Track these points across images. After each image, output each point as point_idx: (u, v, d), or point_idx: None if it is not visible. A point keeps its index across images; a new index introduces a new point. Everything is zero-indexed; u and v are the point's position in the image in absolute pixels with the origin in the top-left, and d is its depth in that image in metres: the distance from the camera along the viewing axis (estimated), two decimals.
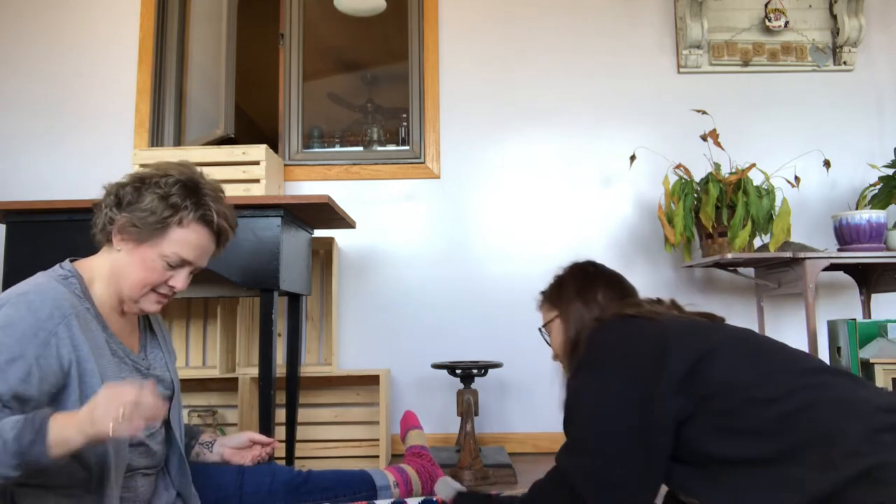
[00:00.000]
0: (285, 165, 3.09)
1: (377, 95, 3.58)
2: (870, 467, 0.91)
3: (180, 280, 1.27)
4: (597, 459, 1.07)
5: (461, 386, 2.50)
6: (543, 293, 1.43)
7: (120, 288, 1.25)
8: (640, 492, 1.06)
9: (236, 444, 1.56)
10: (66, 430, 0.98)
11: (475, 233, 3.04)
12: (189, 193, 1.24)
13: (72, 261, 1.27)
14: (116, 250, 1.24)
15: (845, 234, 2.60)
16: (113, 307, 1.26)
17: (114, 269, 1.24)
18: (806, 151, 2.97)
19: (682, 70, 3.10)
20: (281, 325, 2.76)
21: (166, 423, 1.36)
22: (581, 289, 1.35)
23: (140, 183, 1.24)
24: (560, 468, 1.12)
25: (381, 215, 3.05)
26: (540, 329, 1.43)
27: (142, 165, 2.60)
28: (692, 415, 1.04)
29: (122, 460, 1.19)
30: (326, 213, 2.17)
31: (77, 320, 1.14)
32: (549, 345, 1.41)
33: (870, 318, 2.82)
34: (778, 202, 2.65)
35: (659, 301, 1.28)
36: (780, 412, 0.99)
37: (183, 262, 1.26)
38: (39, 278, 1.18)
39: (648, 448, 1.05)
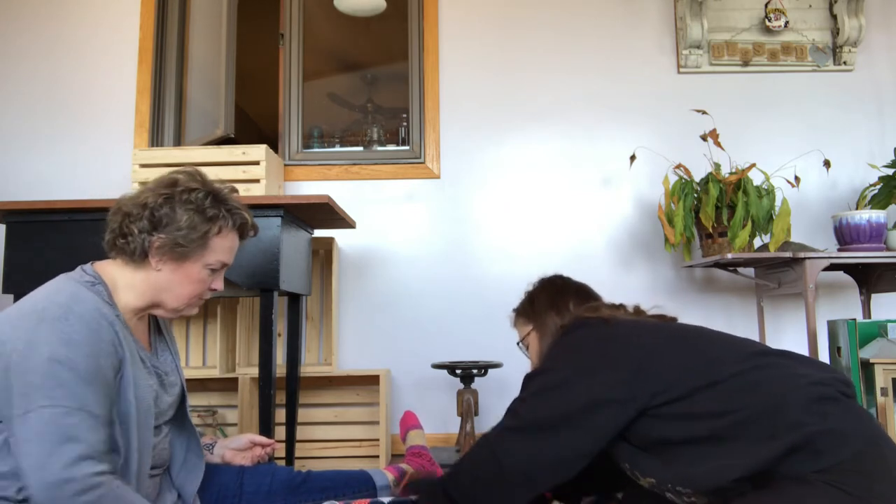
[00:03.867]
0: (285, 165, 3.09)
1: (377, 95, 3.58)
2: (811, 436, 0.97)
3: (220, 281, 1.32)
4: (522, 431, 1.13)
5: (461, 386, 2.50)
6: (516, 310, 1.51)
7: (163, 301, 1.26)
8: (550, 475, 1.11)
9: (237, 446, 1.56)
10: None
11: (475, 233, 3.03)
12: (219, 202, 1.27)
13: (92, 264, 1.26)
14: (156, 270, 1.23)
15: (845, 234, 2.60)
16: (133, 313, 1.26)
17: (156, 287, 1.24)
18: (806, 151, 2.98)
19: (682, 70, 3.10)
20: (281, 325, 2.76)
21: (175, 424, 1.37)
22: (553, 300, 1.43)
23: (169, 202, 1.23)
24: (488, 432, 1.18)
25: (381, 215, 3.05)
26: (518, 343, 1.50)
27: (142, 165, 2.61)
28: (643, 411, 1.09)
29: (145, 466, 1.19)
30: (326, 213, 2.17)
31: (118, 326, 1.15)
32: (529, 357, 1.47)
33: (870, 318, 2.82)
34: (778, 202, 2.65)
35: (619, 306, 1.34)
36: (723, 394, 1.05)
37: (223, 266, 1.31)
38: (69, 285, 1.16)
39: (574, 449, 1.10)
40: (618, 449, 1.14)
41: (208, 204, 1.24)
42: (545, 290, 1.48)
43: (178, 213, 1.22)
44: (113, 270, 1.24)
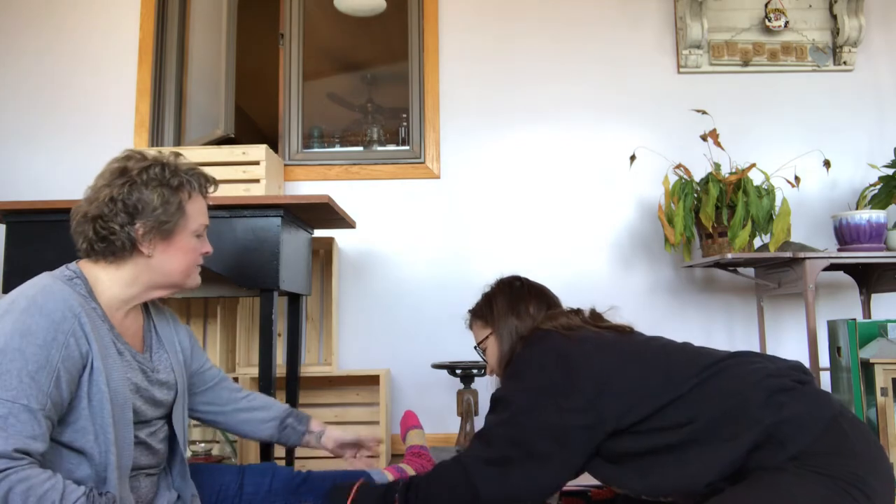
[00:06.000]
0: (285, 165, 3.09)
1: (377, 95, 3.58)
2: (769, 429, 1.01)
3: (207, 244, 1.36)
4: (498, 463, 1.14)
5: (461, 386, 2.50)
6: (473, 312, 1.49)
7: (161, 282, 1.28)
8: (526, 497, 1.15)
9: (342, 440, 1.60)
10: None
11: (475, 233, 3.03)
12: (174, 171, 1.28)
13: (77, 262, 1.26)
14: (147, 256, 1.25)
15: (845, 234, 2.60)
16: (118, 308, 1.25)
17: (153, 271, 1.26)
18: (806, 151, 2.98)
19: (682, 70, 3.10)
20: (281, 325, 2.76)
21: (169, 423, 1.36)
22: (512, 304, 1.41)
23: (130, 188, 1.23)
24: (462, 459, 1.19)
25: (381, 215, 3.05)
26: (475, 347, 1.49)
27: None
28: (611, 433, 1.12)
29: (127, 460, 1.19)
30: (326, 213, 2.17)
31: (87, 318, 1.14)
32: (486, 361, 1.46)
33: (870, 318, 2.82)
34: (778, 202, 2.65)
35: (577, 312, 1.34)
36: (687, 406, 1.08)
37: (204, 228, 1.34)
38: (44, 280, 1.17)
39: (548, 476, 1.14)
40: (588, 464, 1.16)
41: (168, 175, 1.26)
42: (503, 292, 1.46)
43: (146, 194, 1.23)
44: (96, 267, 1.25)
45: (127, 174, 1.24)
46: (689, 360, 1.15)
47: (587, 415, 1.12)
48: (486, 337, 1.44)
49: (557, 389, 1.15)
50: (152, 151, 1.32)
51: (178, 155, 1.34)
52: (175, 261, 1.28)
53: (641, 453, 1.10)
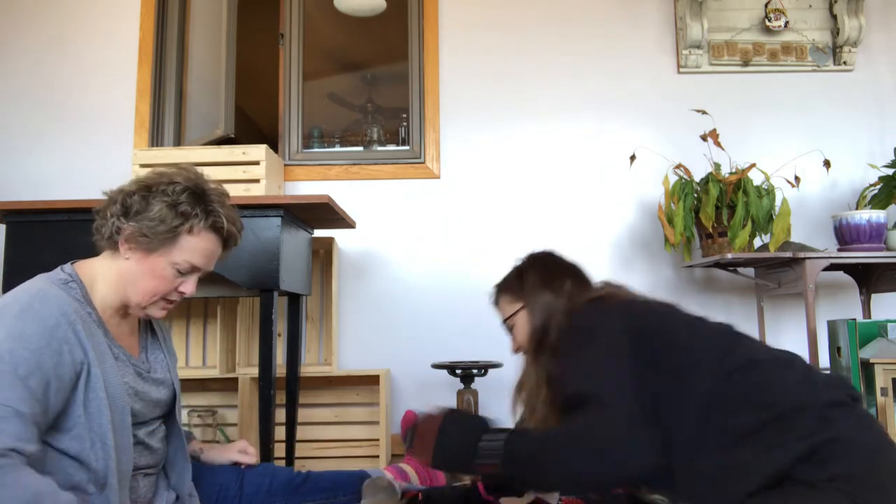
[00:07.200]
0: (285, 165, 3.09)
1: (377, 95, 3.58)
2: (817, 445, 0.95)
3: (190, 286, 1.27)
4: (612, 415, 1.04)
5: (461, 386, 2.50)
6: (500, 286, 1.40)
7: (128, 295, 1.24)
8: (648, 451, 1.03)
9: (219, 461, 1.56)
10: None
11: (475, 233, 3.03)
12: (197, 200, 1.23)
13: (72, 263, 1.26)
14: (124, 258, 1.23)
15: (845, 234, 2.60)
16: (114, 310, 1.25)
17: (122, 277, 1.23)
18: (806, 151, 2.97)
19: (682, 70, 3.10)
20: (281, 325, 2.76)
21: (167, 423, 1.36)
22: (547, 279, 1.34)
23: (146, 191, 1.22)
24: (591, 423, 1.06)
25: (381, 215, 3.05)
26: (503, 323, 1.39)
27: (142, 165, 2.61)
28: (661, 390, 1.07)
29: (127, 465, 1.19)
30: (326, 213, 2.17)
31: (81, 325, 1.14)
32: (513, 337, 1.38)
33: (870, 318, 2.82)
34: (778, 202, 2.65)
35: (620, 287, 1.31)
36: (739, 384, 1.03)
37: (193, 269, 1.26)
38: (40, 283, 1.16)
39: (645, 409, 1.05)
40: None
41: (183, 199, 1.22)
42: (536, 267, 1.38)
43: (151, 203, 1.21)
44: (93, 266, 1.25)
45: (157, 182, 1.24)
46: (743, 344, 1.14)
47: (647, 366, 1.09)
48: (516, 312, 1.34)
49: (625, 353, 1.10)
50: (212, 182, 1.28)
51: (224, 194, 1.30)
52: (142, 279, 1.22)
53: (684, 444, 1.03)
